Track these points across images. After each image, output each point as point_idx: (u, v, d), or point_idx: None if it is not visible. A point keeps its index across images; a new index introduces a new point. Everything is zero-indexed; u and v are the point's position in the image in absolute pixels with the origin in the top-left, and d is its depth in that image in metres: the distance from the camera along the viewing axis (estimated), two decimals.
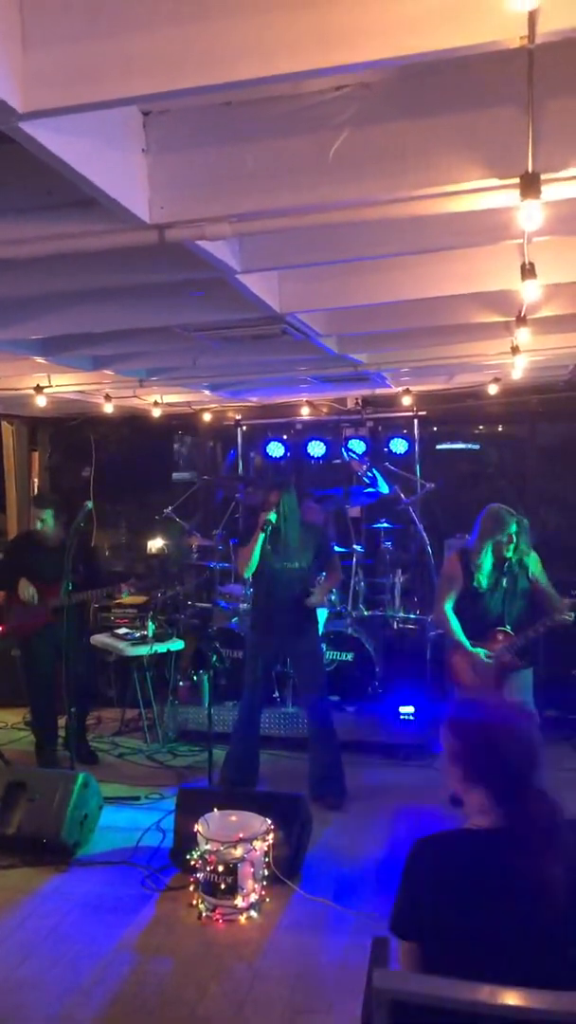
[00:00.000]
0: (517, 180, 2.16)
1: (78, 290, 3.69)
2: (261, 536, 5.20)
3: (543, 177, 2.03)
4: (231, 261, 3.04)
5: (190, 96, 1.83)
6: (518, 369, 5.47)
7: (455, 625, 5.09)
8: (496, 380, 6.69)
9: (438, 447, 8.37)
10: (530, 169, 2.02)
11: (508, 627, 4.99)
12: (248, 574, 5.38)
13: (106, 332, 4.46)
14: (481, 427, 8.81)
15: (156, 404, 7.35)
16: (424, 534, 7.02)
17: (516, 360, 5.11)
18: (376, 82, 2.26)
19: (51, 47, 1.74)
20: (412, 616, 6.99)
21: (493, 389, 6.77)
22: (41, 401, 6.18)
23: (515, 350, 4.88)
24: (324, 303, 3.98)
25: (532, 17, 1.52)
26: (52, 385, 6.07)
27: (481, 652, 5.00)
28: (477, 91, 2.21)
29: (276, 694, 6.53)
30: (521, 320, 3.99)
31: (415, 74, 2.22)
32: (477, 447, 8.96)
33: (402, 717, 6.32)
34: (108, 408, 6.93)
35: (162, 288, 3.79)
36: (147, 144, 2.42)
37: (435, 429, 8.21)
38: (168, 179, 2.42)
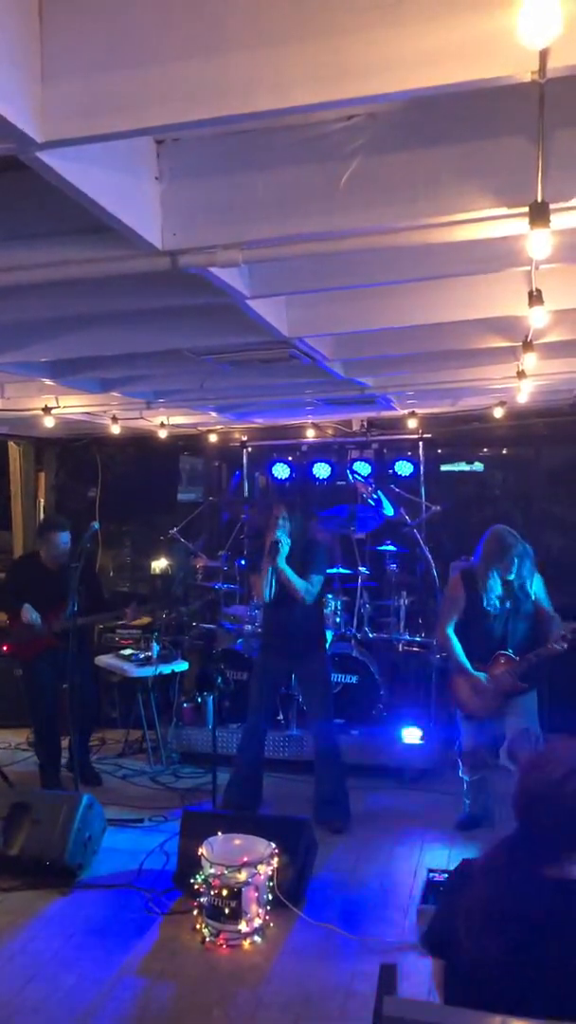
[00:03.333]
0: (526, 209, 2.19)
1: (88, 314, 3.74)
2: (278, 557, 5.16)
3: (552, 206, 2.05)
4: (241, 287, 3.07)
5: (205, 127, 1.85)
6: (524, 393, 5.49)
7: (457, 647, 5.09)
8: (502, 404, 6.72)
9: (444, 468, 8.38)
10: (539, 198, 2.04)
11: (510, 650, 4.99)
12: (268, 596, 5.32)
13: (114, 355, 4.50)
14: (486, 450, 8.83)
15: (162, 426, 7.38)
16: (429, 556, 7.02)
17: (522, 384, 5.14)
18: (385, 112, 2.30)
19: (69, 78, 1.78)
20: (417, 639, 6.98)
21: (499, 412, 6.80)
22: (49, 422, 6.21)
23: (521, 375, 4.90)
24: (332, 328, 4.01)
25: (543, 54, 1.55)
26: (60, 406, 6.10)
27: (482, 676, 4.99)
28: (486, 121, 2.25)
29: (280, 717, 6.51)
30: (528, 345, 4.02)
31: (424, 104, 2.25)
32: (481, 469, 8.98)
33: (407, 740, 6.29)
34: (115, 429, 6.96)
35: (171, 312, 3.82)
36: (160, 172, 2.45)
37: (440, 451, 8.22)
38: (181, 206, 2.46)
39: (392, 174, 2.31)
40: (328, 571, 5.93)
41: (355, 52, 1.66)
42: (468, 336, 4.36)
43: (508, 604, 5.00)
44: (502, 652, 4.98)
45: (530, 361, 4.17)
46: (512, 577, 4.92)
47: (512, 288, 3.60)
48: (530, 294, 3.11)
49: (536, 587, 5.02)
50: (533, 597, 5.01)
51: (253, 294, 3.16)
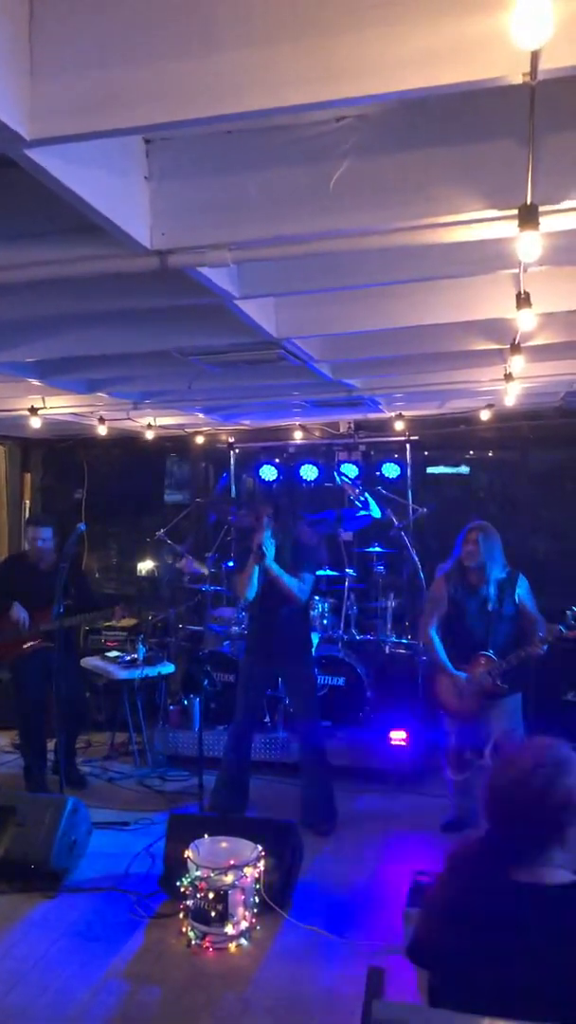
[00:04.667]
0: (515, 211, 2.19)
1: (75, 313, 3.72)
2: (265, 555, 5.15)
3: (541, 209, 2.05)
4: (230, 287, 3.07)
5: (195, 126, 1.84)
6: (511, 396, 5.51)
7: (439, 647, 5.11)
8: (489, 406, 6.74)
9: (429, 471, 8.40)
10: (528, 201, 2.05)
11: (491, 651, 5.00)
12: (251, 595, 5.32)
13: (102, 355, 4.48)
14: (472, 452, 8.85)
15: (149, 427, 7.36)
16: (416, 559, 7.03)
17: (509, 387, 5.16)
18: (376, 114, 2.30)
19: (59, 76, 1.76)
20: (404, 641, 6.99)
21: (486, 415, 6.82)
22: (35, 423, 6.18)
23: (508, 377, 4.92)
24: (320, 329, 4.01)
25: (535, 55, 1.55)
26: (47, 407, 6.07)
27: (463, 676, 5.00)
28: (476, 123, 2.25)
29: (267, 719, 6.50)
30: (515, 348, 4.03)
31: (415, 106, 2.26)
32: (467, 472, 9.00)
33: (393, 743, 6.29)
34: (102, 430, 6.94)
35: (159, 313, 3.81)
36: (149, 172, 2.44)
37: (427, 454, 8.24)
38: (170, 206, 2.45)
39: (383, 176, 2.31)
40: (318, 571, 5.93)
41: (347, 52, 1.65)
42: (456, 338, 4.37)
43: (490, 606, 5.00)
44: (483, 653, 4.99)
45: (517, 364, 4.18)
46: (474, 566, 4.94)
47: (500, 291, 3.61)
48: (518, 296, 3.12)
49: (521, 589, 5.03)
50: (517, 600, 5.02)
51: (242, 295, 3.15)
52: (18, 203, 2.58)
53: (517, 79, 1.65)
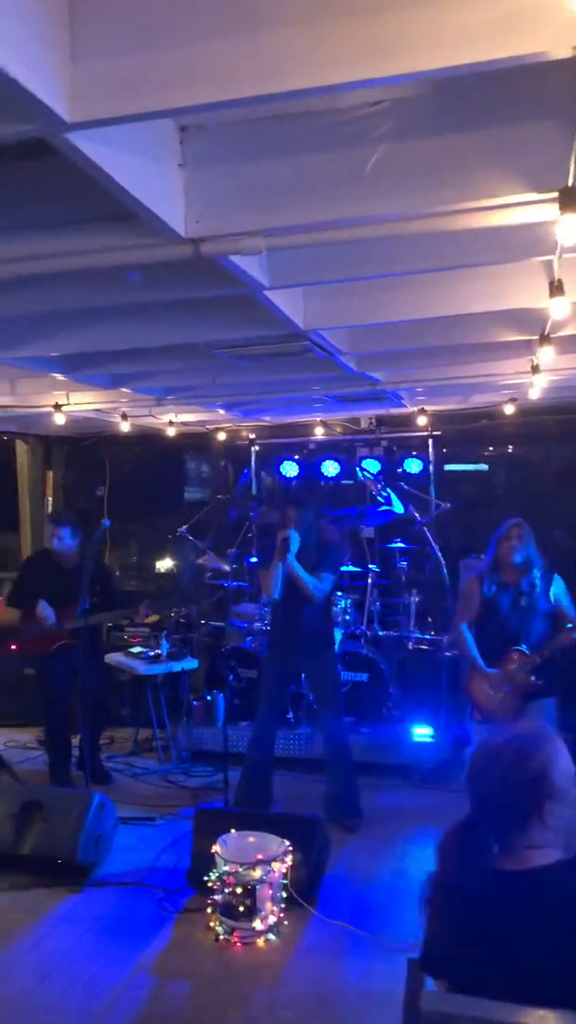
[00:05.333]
0: (555, 194, 2.17)
1: (101, 307, 3.71)
2: (288, 553, 5.14)
3: None
4: (260, 277, 3.04)
5: (235, 108, 1.83)
6: (537, 389, 5.46)
7: (471, 644, 5.06)
8: (513, 400, 6.69)
9: (452, 467, 8.36)
10: (570, 183, 2.02)
11: (523, 647, 4.95)
12: (277, 593, 5.31)
13: (127, 349, 4.47)
14: (491, 448, 8.80)
15: (171, 423, 7.36)
16: (439, 554, 6.99)
17: (535, 379, 5.11)
18: (412, 97, 2.27)
19: (100, 58, 1.75)
20: (427, 636, 6.95)
21: (510, 409, 6.76)
22: (59, 419, 6.19)
23: (535, 369, 4.88)
24: (348, 320, 3.98)
25: None
26: (70, 403, 6.08)
27: (495, 672, 4.96)
28: (514, 106, 2.22)
29: (290, 715, 6.48)
30: (545, 339, 4.00)
31: (451, 89, 2.23)
32: (486, 468, 8.96)
33: (417, 738, 6.26)
34: (124, 427, 6.94)
35: (186, 305, 3.80)
36: (183, 159, 2.43)
37: (449, 450, 8.19)
38: (204, 193, 2.43)
39: (419, 160, 2.29)
40: (340, 569, 5.91)
41: (390, 29, 1.63)
42: (483, 329, 4.33)
43: (523, 601, 4.96)
44: (515, 648, 4.94)
45: (547, 355, 4.15)
46: (517, 562, 4.90)
47: (531, 279, 3.57)
48: (551, 284, 3.09)
49: (557, 588, 4.99)
50: (553, 598, 4.98)
51: (272, 284, 3.13)
52: (47, 192, 2.57)
53: (564, 53, 1.62)
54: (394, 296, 3.77)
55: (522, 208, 2.34)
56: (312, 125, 2.34)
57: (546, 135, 2.19)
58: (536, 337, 4.10)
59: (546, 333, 3.89)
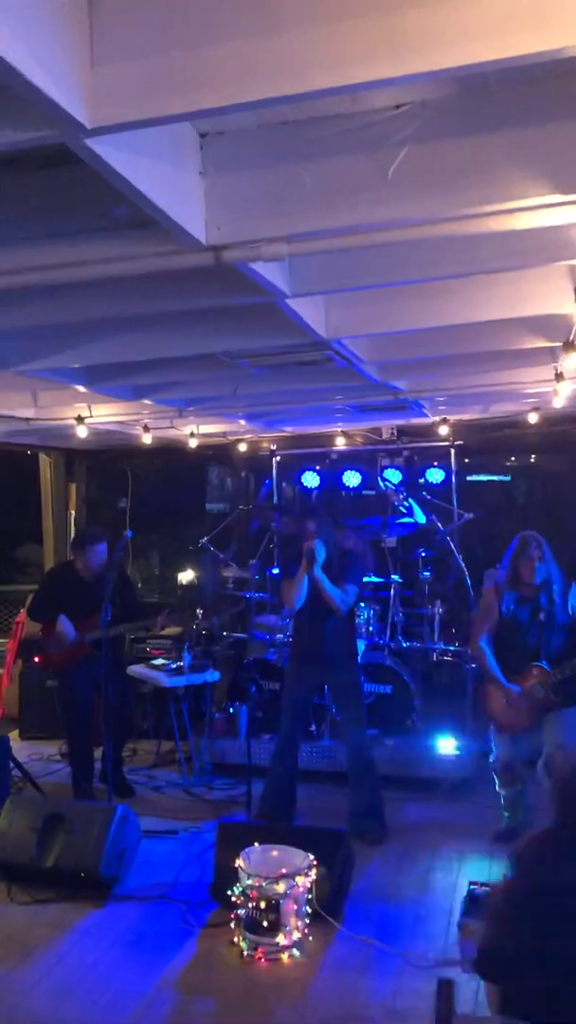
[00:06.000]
0: None
1: (123, 317, 3.69)
2: (316, 560, 5.11)
3: None
4: (282, 284, 3.02)
5: (258, 110, 1.80)
6: (561, 397, 5.40)
7: (489, 658, 5.00)
8: (536, 409, 6.63)
9: (474, 477, 8.30)
10: None
11: (543, 662, 4.88)
12: (299, 604, 5.27)
13: (148, 360, 4.47)
14: (516, 458, 8.73)
15: (192, 435, 7.36)
16: (463, 565, 6.93)
17: (560, 387, 5.06)
18: (436, 100, 2.24)
19: (119, 62, 1.74)
20: (451, 648, 6.88)
21: (533, 418, 6.70)
22: (82, 432, 6.20)
23: (559, 377, 4.82)
24: (369, 328, 3.95)
25: None
26: (92, 415, 6.09)
27: (515, 688, 4.89)
28: (539, 106, 2.18)
29: (313, 727, 6.43)
30: (569, 345, 3.95)
31: (476, 90, 2.20)
32: (508, 479, 8.89)
33: (442, 751, 6.18)
34: (147, 439, 6.94)
35: (208, 314, 3.78)
36: (203, 166, 2.41)
37: (471, 460, 8.13)
38: (225, 200, 2.41)
39: (443, 162, 2.25)
40: (363, 580, 5.87)
41: (416, 25, 1.60)
42: (506, 336, 4.29)
43: (541, 615, 4.90)
44: (536, 664, 4.88)
45: (572, 362, 4.10)
46: (538, 581, 4.84)
47: (554, 285, 3.53)
48: None
49: (574, 600, 4.93)
50: (572, 611, 4.91)
51: (293, 292, 3.11)
52: (67, 201, 2.56)
53: None
54: (415, 304, 3.74)
55: (547, 211, 2.31)
56: (333, 129, 2.32)
57: (570, 136, 2.16)
58: (560, 344, 4.05)
59: (571, 339, 3.84)
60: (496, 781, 5.19)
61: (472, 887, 4.48)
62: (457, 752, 6.17)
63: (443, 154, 2.25)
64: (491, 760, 5.20)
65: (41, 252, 2.60)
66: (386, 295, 3.72)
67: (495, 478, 8.76)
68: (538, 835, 2.09)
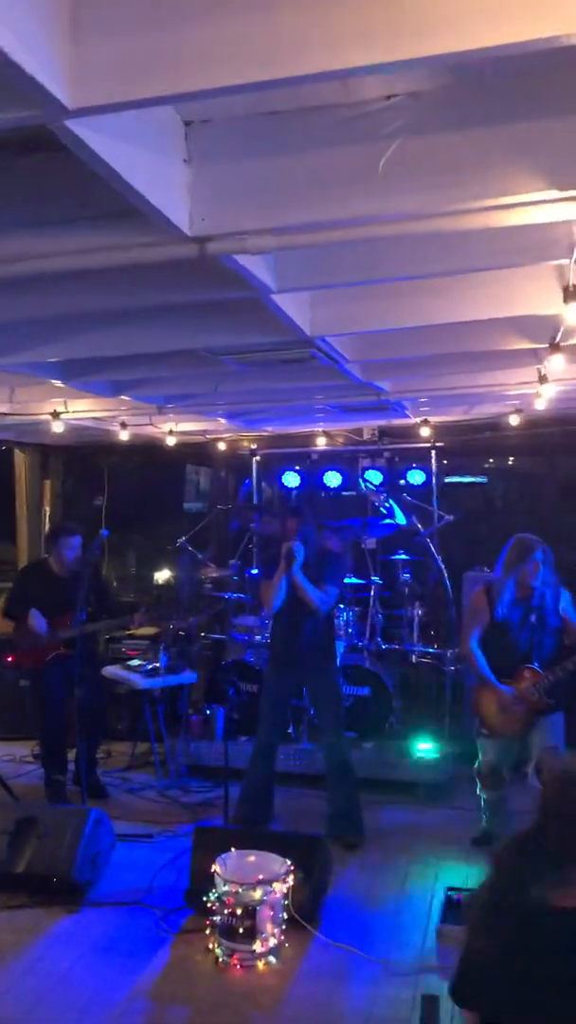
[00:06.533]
0: None
1: (101, 311, 3.61)
2: (295, 560, 5.05)
3: None
4: (267, 279, 2.95)
5: (252, 91, 1.73)
6: (543, 399, 5.37)
7: (481, 661, 4.94)
8: (518, 411, 6.60)
9: (454, 479, 8.27)
10: None
11: (535, 664, 4.85)
12: (278, 605, 5.21)
13: (128, 355, 4.38)
14: (496, 460, 8.70)
15: (171, 433, 7.26)
16: (442, 566, 6.89)
17: (542, 389, 5.02)
18: (429, 91, 2.19)
19: (103, 41, 1.66)
20: (431, 650, 6.84)
21: (515, 420, 6.67)
22: (58, 427, 6.10)
23: (543, 379, 4.79)
24: (355, 326, 3.89)
25: None
26: (69, 411, 5.98)
27: (508, 690, 4.85)
28: (534, 100, 2.13)
29: (291, 730, 6.36)
30: (555, 347, 3.91)
31: (469, 81, 2.15)
32: (486, 480, 8.86)
33: (420, 754, 6.14)
34: (124, 436, 6.85)
35: (190, 309, 3.71)
36: (188, 155, 2.34)
37: (451, 461, 8.10)
38: (210, 191, 2.34)
39: (435, 156, 2.19)
40: (343, 581, 5.81)
41: (415, 7, 1.54)
42: (491, 337, 4.24)
43: (533, 618, 4.86)
44: (528, 666, 4.84)
45: (557, 363, 4.06)
46: (536, 584, 4.80)
47: (541, 285, 3.48)
48: (565, 289, 3.02)
49: (565, 603, 4.90)
50: (562, 613, 4.88)
51: (279, 288, 3.04)
52: (47, 190, 2.48)
53: None
54: (401, 303, 3.68)
55: (540, 207, 2.26)
56: (322, 120, 2.25)
57: (567, 130, 2.11)
58: (545, 345, 4.01)
59: (557, 341, 3.80)
60: (479, 784, 5.15)
61: (450, 892, 4.46)
62: (436, 755, 6.13)
63: (435, 147, 2.19)
64: (476, 764, 5.15)
65: (17, 242, 2.52)
66: (372, 293, 3.66)
67: (473, 480, 8.73)
68: (516, 841, 2.04)
